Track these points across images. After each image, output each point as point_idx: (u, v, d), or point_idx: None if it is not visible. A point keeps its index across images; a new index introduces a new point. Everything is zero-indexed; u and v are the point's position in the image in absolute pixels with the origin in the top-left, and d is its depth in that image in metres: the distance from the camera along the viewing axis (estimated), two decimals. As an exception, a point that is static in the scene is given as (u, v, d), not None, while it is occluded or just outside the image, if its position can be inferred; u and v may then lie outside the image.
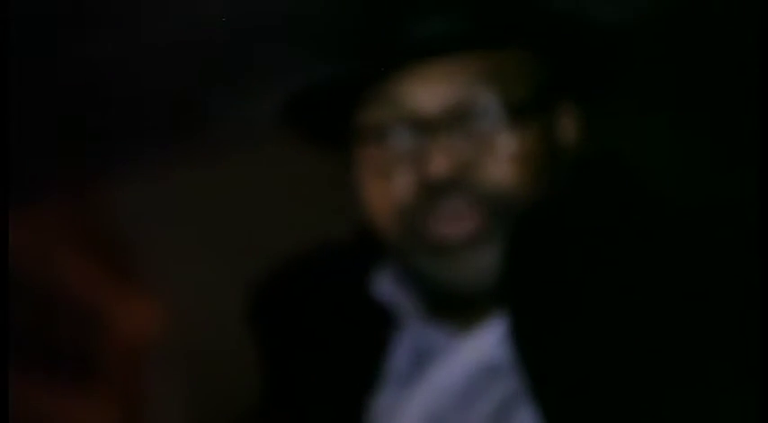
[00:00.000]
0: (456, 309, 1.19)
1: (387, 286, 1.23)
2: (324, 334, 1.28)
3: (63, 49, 1.60)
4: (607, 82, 1.27)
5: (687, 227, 1.10)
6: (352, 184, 1.22)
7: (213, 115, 1.69)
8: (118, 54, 1.65)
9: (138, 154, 1.92)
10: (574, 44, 1.19)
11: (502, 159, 1.13)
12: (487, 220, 1.13)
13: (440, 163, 1.11)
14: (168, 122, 1.78)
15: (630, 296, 1.06)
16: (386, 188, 1.16)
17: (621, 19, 1.61)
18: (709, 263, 1.05)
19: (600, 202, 1.17)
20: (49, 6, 1.55)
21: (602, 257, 1.09)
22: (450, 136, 1.13)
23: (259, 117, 1.81)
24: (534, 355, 1.08)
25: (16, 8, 1.52)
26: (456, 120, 1.13)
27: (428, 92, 1.13)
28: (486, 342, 1.16)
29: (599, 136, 1.25)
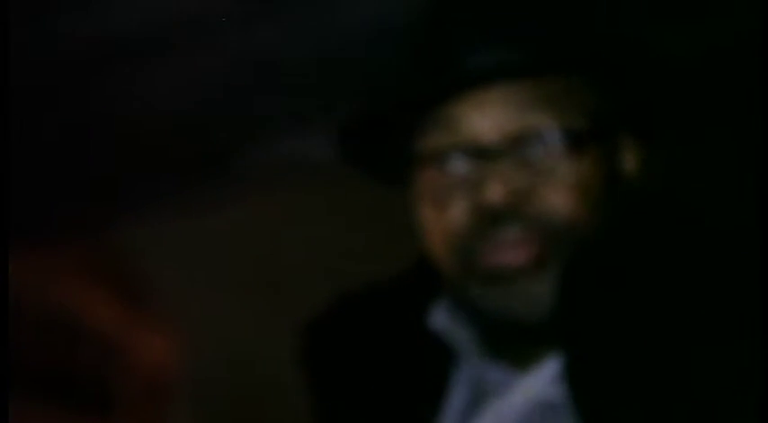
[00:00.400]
0: (512, 343, 1.17)
1: (443, 320, 1.21)
2: (380, 373, 1.26)
3: (87, 83, 1.60)
4: (666, 115, 1.26)
5: (741, 267, 1.08)
6: (406, 213, 1.21)
7: (235, 155, 1.69)
8: (141, 91, 1.66)
9: (159, 192, 1.92)
10: (635, 74, 1.17)
11: (559, 188, 1.12)
12: (544, 249, 1.11)
13: (496, 190, 1.09)
14: (190, 160, 1.78)
15: (686, 337, 1.04)
16: (442, 216, 1.14)
17: (687, 51, 1.59)
18: (759, 304, 1.03)
19: (656, 238, 1.14)
20: (67, 42, 1.56)
21: (656, 295, 1.08)
22: (508, 163, 1.11)
23: (280, 157, 1.81)
24: (587, 395, 1.07)
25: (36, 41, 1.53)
26: (513, 147, 1.11)
27: (486, 119, 1.12)
28: (542, 380, 1.14)
29: (659, 170, 1.23)
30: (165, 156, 1.70)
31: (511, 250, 1.11)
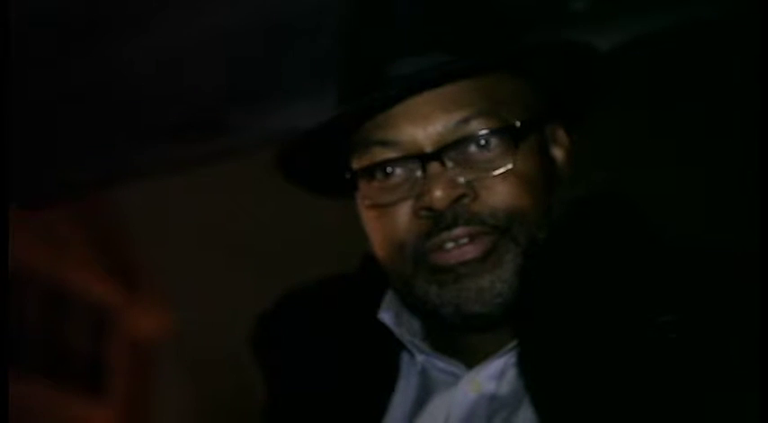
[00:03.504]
0: (460, 337, 1.21)
1: (390, 316, 1.25)
2: (330, 362, 1.29)
3: (84, 49, 1.62)
4: (595, 106, 1.29)
5: (687, 264, 1.12)
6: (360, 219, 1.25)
7: (228, 121, 1.71)
8: (135, 55, 1.67)
9: (149, 158, 1.94)
10: (563, 69, 1.20)
11: (500, 184, 1.15)
12: (490, 244, 1.15)
13: (437, 196, 1.12)
14: (183, 128, 1.80)
15: (638, 328, 1.07)
16: (388, 222, 1.18)
17: (614, 44, 1.64)
18: (711, 299, 1.07)
19: (604, 236, 1.18)
20: (72, 8, 1.57)
21: (605, 290, 1.11)
22: (448, 167, 1.14)
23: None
24: (543, 384, 1.10)
25: (37, 8, 1.55)
26: (451, 151, 1.14)
27: (420, 127, 1.15)
28: (488, 373, 1.18)
29: (600, 162, 1.26)
30: (160, 119, 1.72)
31: (456, 249, 1.14)
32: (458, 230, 1.14)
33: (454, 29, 1.16)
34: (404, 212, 1.16)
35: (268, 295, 1.40)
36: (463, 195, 1.13)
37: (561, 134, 1.25)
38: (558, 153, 1.24)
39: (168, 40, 1.63)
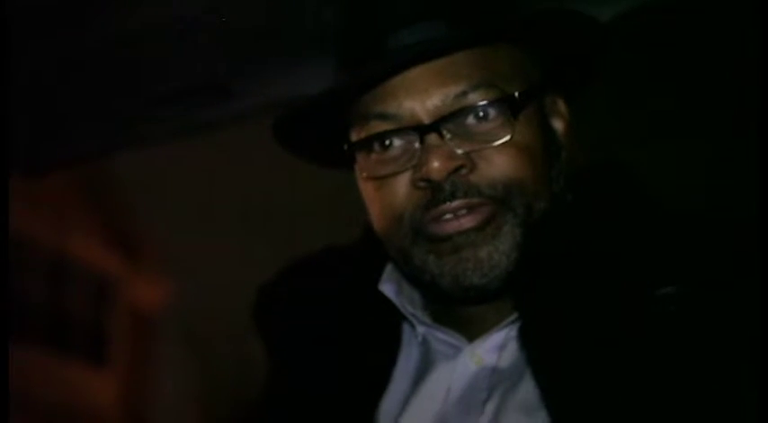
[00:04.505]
0: (460, 309, 1.21)
1: (390, 288, 1.26)
2: (332, 332, 1.30)
3: (85, 17, 1.61)
4: (594, 76, 1.29)
5: (687, 234, 1.12)
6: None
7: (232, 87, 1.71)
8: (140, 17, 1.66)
9: (151, 125, 1.93)
10: (561, 39, 1.20)
11: (499, 155, 1.15)
12: (490, 215, 1.15)
13: (435, 167, 1.13)
14: (185, 95, 1.79)
15: (638, 300, 1.08)
16: (387, 194, 1.18)
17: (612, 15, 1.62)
18: (712, 270, 1.07)
19: (604, 207, 1.19)
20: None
21: (605, 262, 1.11)
22: (446, 139, 1.14)
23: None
24: (544, 355, 1.10)
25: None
26: (449, 122, 1.14)
27: (420, 99, 1.14)
28: (488, 345, 1.19)
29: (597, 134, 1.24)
30: (162, 85, 1.72)
31: (454, 221, 1.15)
32: (456, 202, 1.14)
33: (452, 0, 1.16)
34: (402, 184, 1.16)
35: (271, 264, 1.40)
36: (461, 166, 1.13)
37: (561, 105, 1.25)
38: (557, 124, 1.24)
39: (170, 7, 1.62)
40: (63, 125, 1.83)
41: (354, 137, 1.20)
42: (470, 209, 1.14)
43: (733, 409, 1.00)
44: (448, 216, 1.14)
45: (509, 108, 1.15)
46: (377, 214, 1.20)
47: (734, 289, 1.05)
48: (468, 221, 1.14)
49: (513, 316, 1.15)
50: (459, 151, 1.14)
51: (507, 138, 1.14)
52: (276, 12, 1.61)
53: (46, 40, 1.61)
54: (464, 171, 1.14)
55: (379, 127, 1.16)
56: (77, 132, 1.87)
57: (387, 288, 1.25)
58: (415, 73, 1.14)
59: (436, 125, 1.14)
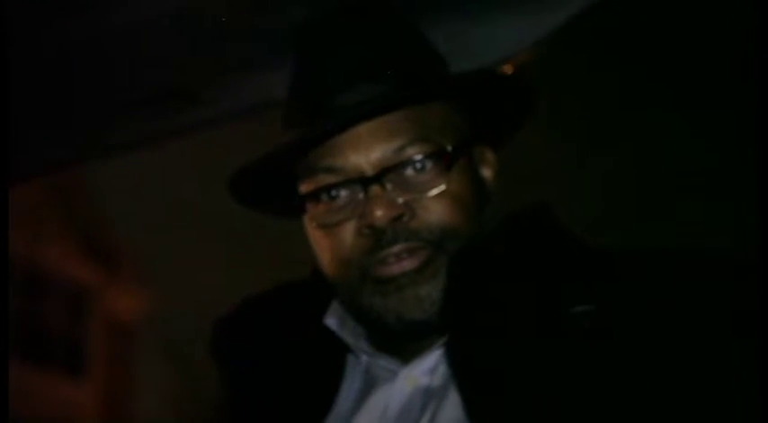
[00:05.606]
0: (400, 339, 1.31)
1: (335, 323, 1.36)
2: (281, 363, 1.41)
3: (52, 24, 1.60)
4: (516, 126, 1.42)
5: (601, 261, 1.24)
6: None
7: (204, 91, 1.71)
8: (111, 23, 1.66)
9: (122, 132, 1.93)
10: (488, 97, 1.33)
11: (435, 203, 1.26)
12: (428, 257, 1.26)
13: (378, 215, 1.23)
14: (155, 102, 1.79)
15: (554, 319, 1.19)
16: (335, 240, 1.28)
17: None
18: (623, 291, 1.19)
19: (524, 244, 1.30)
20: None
21: (523, 288, 1.24)
22: (388, 189, 1.25)
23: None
24: (466, 370, 1.21)
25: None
26: (390, 174, 1.25)
27: (364, 153, 1.26)
28: (423, 368, 1.29)
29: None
30: (132, 93, 1.71)
31: (396, 264, 1.25)
32: (397, 247, 1.24)
33: (392, 63, 1.28)
34: (349, 231, 1.27)
35: (247, 274, 1.44)
36: (402, 214, 1.24)
37: (489, 154, 1.37)
38: (486, 172, 1.36)
39: (138, 13, 1.62)
40: (31, 134, 1.82)
41: (304, 189, 1.29)
42: (411, 252, 1.24)
43: (643, 412, 1.11)
44: (391, 259, 1.24)
45: (443, 160, 1.26)
46: (327, 260, 1.30)
47: (640, 305, 1.16)
48: (409, 264, 1.24)
49: (444, 339, 1.25)
50: (400, 200, 1.24)
51: (443, 188, 1.25)
52: (245, 17, 1.61)
53: (10, 47, 1.60)
54: (405, 218, 1.24)
55: (327, 179, 1.26)
56: (46, 141, 1.87)
57: (331, 322, 1.34)
58: (360, 130, 1.25)
59: (378, 177, 1.24)
